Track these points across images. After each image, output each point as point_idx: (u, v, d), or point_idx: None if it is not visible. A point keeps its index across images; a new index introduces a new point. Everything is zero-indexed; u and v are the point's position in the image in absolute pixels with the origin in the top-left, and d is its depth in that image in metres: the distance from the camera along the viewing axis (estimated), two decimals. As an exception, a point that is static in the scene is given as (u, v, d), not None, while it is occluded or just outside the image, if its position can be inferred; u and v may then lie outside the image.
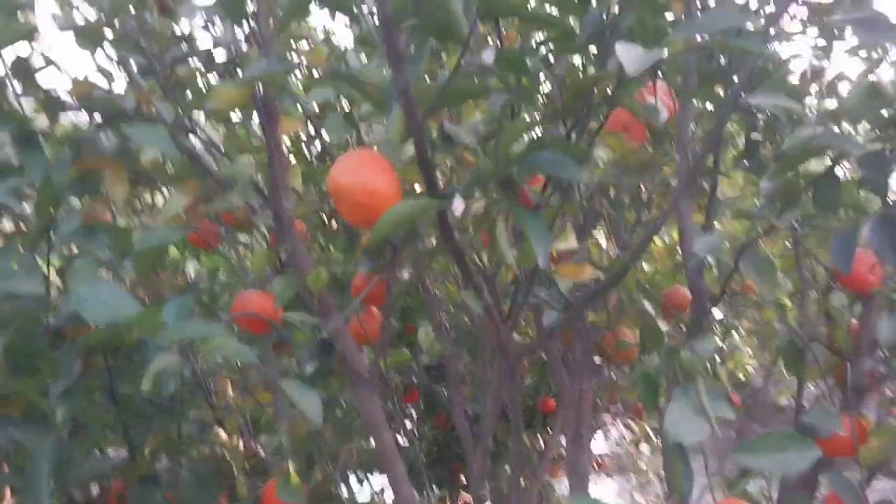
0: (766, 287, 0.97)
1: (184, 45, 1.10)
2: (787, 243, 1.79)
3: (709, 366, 0.95)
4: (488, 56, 0.65)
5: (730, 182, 2.03)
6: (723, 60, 1.17)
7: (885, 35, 0.79)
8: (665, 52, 0.57)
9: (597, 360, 1.74)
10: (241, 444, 1.22)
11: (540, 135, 0.97)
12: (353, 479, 2.26)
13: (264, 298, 1.02)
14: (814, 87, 1.76)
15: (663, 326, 0.89)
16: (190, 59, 1.12)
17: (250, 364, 1.22)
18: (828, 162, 0.98)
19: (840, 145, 0.80)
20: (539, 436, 2.17)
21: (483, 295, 0.81)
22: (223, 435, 1.19)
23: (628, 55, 0.55)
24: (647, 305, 1.53)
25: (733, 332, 2.05)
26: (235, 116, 1.42)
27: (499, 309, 0.87)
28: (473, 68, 0.66)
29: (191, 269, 1.83)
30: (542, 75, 0.93)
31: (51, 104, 0.96)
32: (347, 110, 1.13)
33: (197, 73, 1.13)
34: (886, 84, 0.81)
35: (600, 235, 1.85)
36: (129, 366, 1.19)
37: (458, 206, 0.65)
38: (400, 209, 0.63)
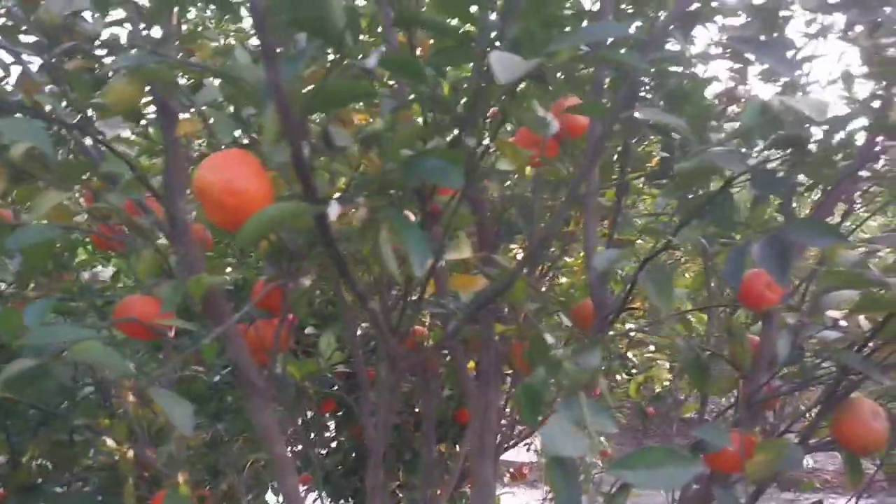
0: (661, 301, 0.97)
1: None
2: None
3: (602, 378, 0.95)
4: (372, 61, 0.63)
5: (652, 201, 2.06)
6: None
7: (780, 62, 0.80)
8: (540, 61, 0.55)
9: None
10: (131, 453, 1.16)
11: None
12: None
13: (148, 304, 0.97)
14: (731, 109, 1.81)
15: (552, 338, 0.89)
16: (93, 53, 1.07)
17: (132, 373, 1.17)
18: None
19: (727, 164, 0.81)
20: (455, 445, 2.15)
21: (368, 305, 0.79)
22: (110, 443, 1.13)
23: (501, 64, 0.53)
24: (561, 317, 1.54)
25: (651, 346, 2.08)
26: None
27: (387, 319, 0.85)
28: (355, 70, 0.64)
29: (107, 273, 1.75)
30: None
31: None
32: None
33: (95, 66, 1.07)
34: (776, 104, 0.82)
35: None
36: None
37: (333, 211, 0.62)
38: (269, 212, 0.60)
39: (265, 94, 0.61)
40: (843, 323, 1.06)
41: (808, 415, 1.39)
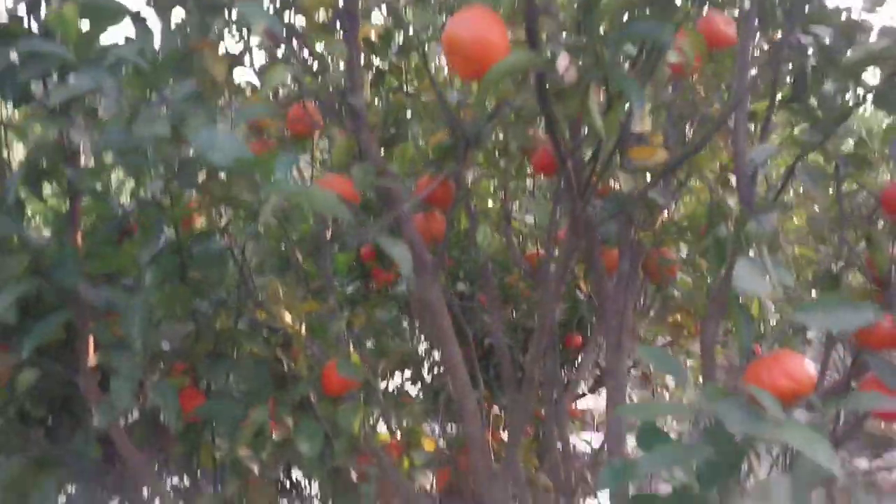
0: (819, 192, 1.03)
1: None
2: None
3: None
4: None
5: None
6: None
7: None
8: None
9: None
10: (304, 329, 1.29)
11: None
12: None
13: (344, 182, 1.09)
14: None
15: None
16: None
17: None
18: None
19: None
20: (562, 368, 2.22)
21: (566, 164, 0.88)
22: (287, 319, 1.26)
23: None
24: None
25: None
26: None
27: (578, 180, 0.93)
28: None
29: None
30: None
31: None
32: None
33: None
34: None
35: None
36: (198, 252, 1.27)
37: (562, 62, 0.71)
38: (510, 61, 0.69)
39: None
40: None
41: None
